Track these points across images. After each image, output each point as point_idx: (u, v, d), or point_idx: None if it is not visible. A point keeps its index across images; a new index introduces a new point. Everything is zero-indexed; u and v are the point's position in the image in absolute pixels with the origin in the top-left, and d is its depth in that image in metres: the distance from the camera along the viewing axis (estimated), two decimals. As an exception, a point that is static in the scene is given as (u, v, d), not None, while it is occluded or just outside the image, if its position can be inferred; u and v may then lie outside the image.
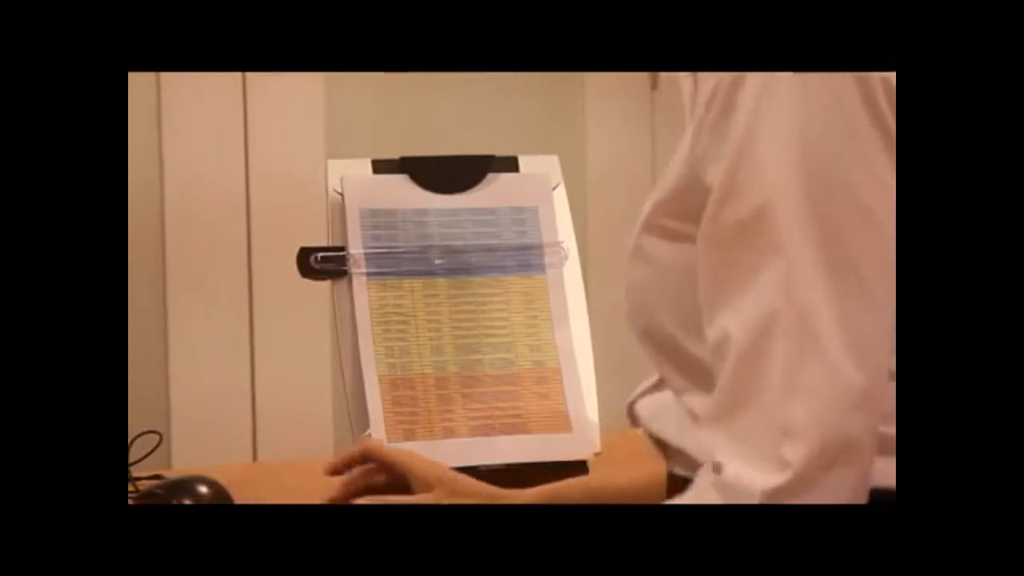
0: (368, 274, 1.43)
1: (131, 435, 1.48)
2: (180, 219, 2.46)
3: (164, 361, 2.46)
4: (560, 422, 1.41)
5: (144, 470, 1.50)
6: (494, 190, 1.49)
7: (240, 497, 1.35)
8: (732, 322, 0.96)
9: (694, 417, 1.05)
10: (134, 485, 1.44)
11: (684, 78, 1.09)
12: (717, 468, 0.96)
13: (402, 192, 1.47)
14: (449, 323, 1.44)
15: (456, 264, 1.46)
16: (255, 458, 2.50)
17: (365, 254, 1.44)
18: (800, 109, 0.96)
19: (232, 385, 2.51)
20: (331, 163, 1.49)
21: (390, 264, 1.44)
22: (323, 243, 1.46)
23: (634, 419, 1.26)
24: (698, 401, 1.04)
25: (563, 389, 1.43)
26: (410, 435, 1.38)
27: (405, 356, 1.41)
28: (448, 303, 1.45)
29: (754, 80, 0.97)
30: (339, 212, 1.46)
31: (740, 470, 0.95)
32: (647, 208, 1.07)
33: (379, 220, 1.46)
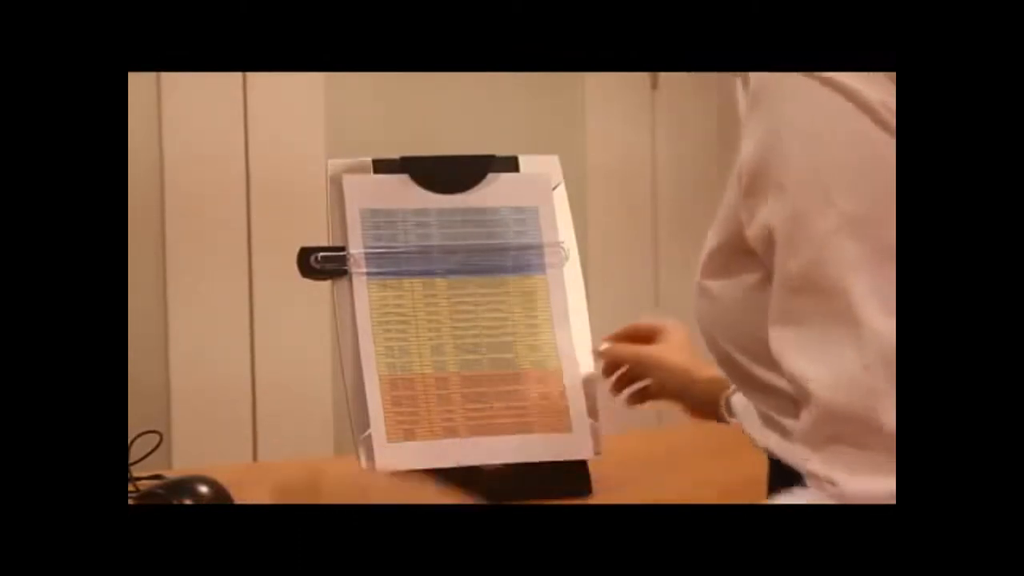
0: (368, 274, 1.43)
1: (131, 435, 1.48)
2: (180, 219, 2.46)
3: (164, 361, 2.46)
4: (560, 422, 1.41)
5: (144, 470, 1.50)
6: (494, 190, 1.49)
7: (240, 497, 1.35)
8: (808, 370, 0.97)
9: (782, 431, 1.07)
10: (134, 485, 1.44)
11: (737, 87, 1.09)
12: (831, 482, 0.97)
13: (402, 192, 1.47)
14: (449, 323, 1.44)
15: (456, 264, 1.46)
16: (255, 458, 2.50)
17: (365, 254, 1.44)
18: (817, 150, 0.97)
19: (232, 385, 2.51)
20: (331, 163, 1.49)
21: (390, 264, 1.44)
22: (323, 243, 1.46)
23: (731, 412, 1.28)
24: (786, 421, 1.06)
25: (563, 389, 1.43)
26: (410, 435, 1.38)
27: (405, 356, 1.41)
28: (448, 303, 1.45)
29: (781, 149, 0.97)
30: (339, 211, 1.46)
31: (856, 483, 0.96)
32: (703, 257, 1.12)
33: (379, 220, 1.46)
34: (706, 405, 1.39)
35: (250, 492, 1.38)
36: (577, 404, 1.43)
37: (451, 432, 1.40)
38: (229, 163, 2.48)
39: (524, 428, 1.41)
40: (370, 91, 2.52)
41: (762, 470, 1.21)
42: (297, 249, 1.45)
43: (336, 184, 1.47)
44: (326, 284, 1.45)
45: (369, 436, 1.38)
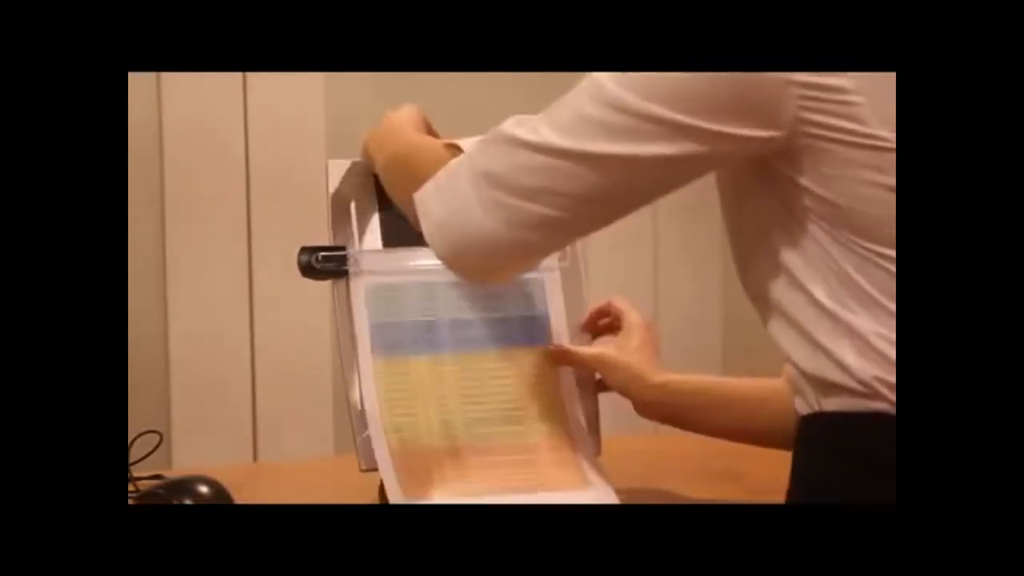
0: (375, 349, 1.41)
1: (131, 435, 1.48)
2: (180, 219, 2.45)
3: (164, 361, 2.46)
4: (577, 481, 1.38)
5: (144, 470, 1.50)
6: None
7: (240, 497, 1.35)
8: None
9: None
10: (134, 485, 1.44)
11: None
12: None
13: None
14: (457, 397, 1.42)
15: (464, 337, 1.44)
16: (255, 458, 2.50)
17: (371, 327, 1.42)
18: None
19: (232, 385, 2.50)
20: (331, 163, 1.49)
21: (398, 342, 1.42)
22: (323, 243, 1.46)
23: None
24: None
25: (578, 456, 1.39)
26: (426, 494, 1.35)
27: (413, 431, 1.38)
28: (455, 377, 1.42)
29: None
30: (343, 217, 1.45)
31: None
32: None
33: (384, 295, 1.44)
34: (651, 407, 1.37)
35: (250, 492, 1.38)
36: (593, 466, 1.39)
37: (466, 493, 1.36)
38: (229, 163, 2.47)
39: (541, 487, 1.38)
40: (370, 91, 2.52)
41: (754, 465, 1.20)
42: (297, 248, 1.45)
43: (336, 184, 1.47)
44: (326, 284, 1.45)
45: (368, 437, 1.38)
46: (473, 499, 1.33)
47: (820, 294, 1.07)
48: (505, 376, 1.42)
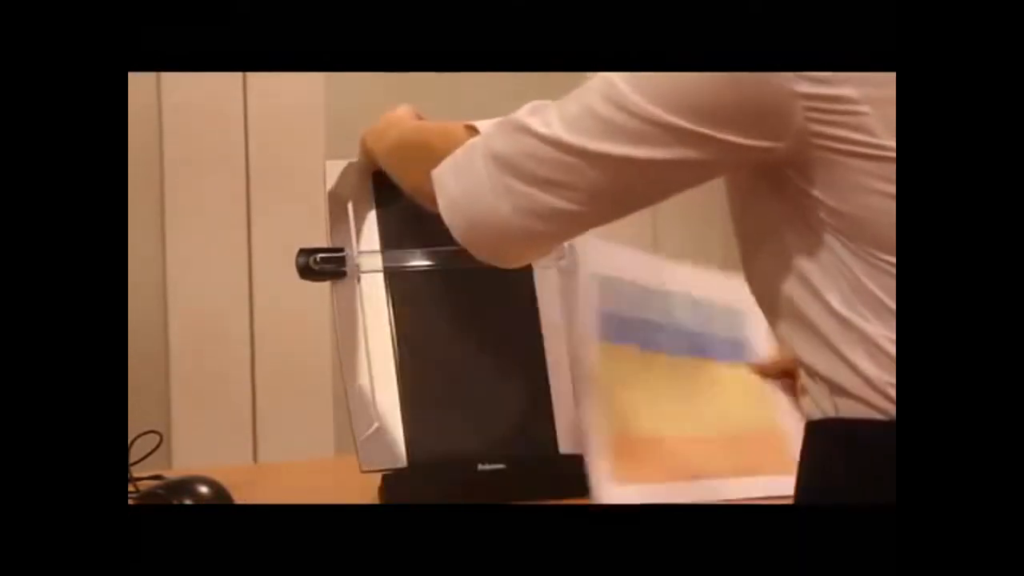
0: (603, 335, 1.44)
1: (131, 435, 1.48)
2: (180, 219, 2.46)
3: (164, 361, 2.46)
4: (785, 465, 1.39)
5: (144, 470, 1.50)
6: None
7: (240, 497, 1.35)
8: None
9: None
10: (134, 485, 1.44)
11: None
12: None
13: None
14: (669, 394, 1.45)
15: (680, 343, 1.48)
16: (255, 458, 2.50)
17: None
18: None
19: (232, 385, 2.50)
20: (329, 164, 1.49)
21: (623, 334, 1.45)
22: (322, 244, 1.46)
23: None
24: None
25: (786, 443, 1.41)
26: (635, 479, 1.37)
27: (626, 419, 1.41)
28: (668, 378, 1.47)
29: None
30: (342, 215, 1.45)
31: None
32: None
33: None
34: None
35: (250, 492, 1.38)
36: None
37: (674, 476, 1.38)
38: (229, 162, 2.47)
39: (750, 471, 1.39)
40: (370, 91, 2.52)
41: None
42: (296, 250, 1.45)
43: (334, 184, 1.47)
44: (326, 285, 1.45)
45: (368, 437, 1.38)
46: (683, 483, 1.36)
47: (835, 301, 1.07)
48: (714, 381, 1.47)
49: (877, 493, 1.01)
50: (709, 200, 1.19)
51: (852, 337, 1.06)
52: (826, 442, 1.10)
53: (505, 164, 1.14)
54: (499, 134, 1.17)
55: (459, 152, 1.20)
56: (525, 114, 1.15)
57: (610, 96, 1.08)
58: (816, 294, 1.08)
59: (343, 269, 1.44)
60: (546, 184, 1.12)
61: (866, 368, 1.05)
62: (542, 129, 1.12)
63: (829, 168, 1.04)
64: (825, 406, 1.09)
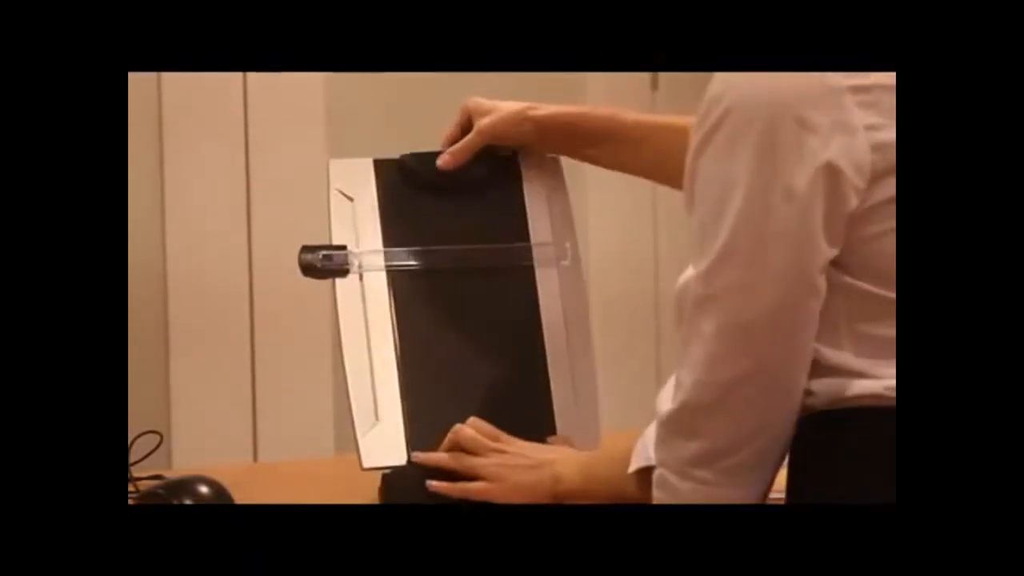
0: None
1: (131, 435, 1.47)
2: (180, 219, 2.46)
3: (164, 361, 2.46)
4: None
5: (144, 470, 1.50)
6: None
7: (240, 497, 1.35)
8: None
9: None
10: (134, 485, 1.44)
11: None
12: None
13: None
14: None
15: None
16: (255, 458, 2.50)
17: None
18: None
19: (232, 385, 2.51)
20: (331, 163, 1.49)
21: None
22: (324, 243, 1.46)
23: None
24: None
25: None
26: None
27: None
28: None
29: None
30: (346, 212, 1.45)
31: None
32: None
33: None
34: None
35: (250, 492, 1.38)
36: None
37: None
38: (229, 163, 2.48)
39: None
40: (370, 91, 2.52)
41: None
42: (298, 248, 1.45)
43: (336, 184, 1.47)
44: (327, 283, 1.45)
45: (369, 435, 1.38)
46: None
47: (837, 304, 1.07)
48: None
49: (870, 487, 1.01)
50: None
51: (853, 336, 1.06)
52: (813, 438, 1.10)
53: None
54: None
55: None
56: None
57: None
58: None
59: (346, 267, 1.44)
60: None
61: (866, 367, 1.05)
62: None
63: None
64: (821, 400, 1.09)
